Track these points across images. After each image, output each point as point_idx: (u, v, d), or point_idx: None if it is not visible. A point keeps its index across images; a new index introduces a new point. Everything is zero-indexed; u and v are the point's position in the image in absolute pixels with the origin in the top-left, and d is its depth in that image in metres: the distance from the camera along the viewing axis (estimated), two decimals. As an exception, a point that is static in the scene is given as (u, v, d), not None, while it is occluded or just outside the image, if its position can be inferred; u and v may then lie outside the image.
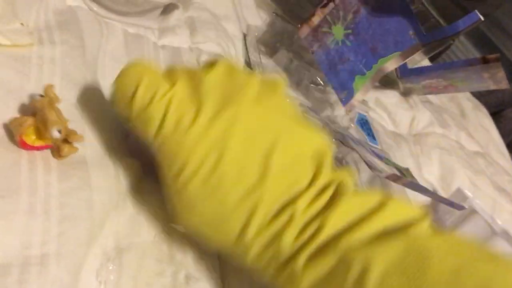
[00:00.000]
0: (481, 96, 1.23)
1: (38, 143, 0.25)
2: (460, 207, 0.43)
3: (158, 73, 0.26)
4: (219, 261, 0.29)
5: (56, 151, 0.25)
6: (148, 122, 0.25)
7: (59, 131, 0.25)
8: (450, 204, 0.42)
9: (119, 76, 0.26)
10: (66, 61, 0.30)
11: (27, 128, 0.25)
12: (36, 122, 0.25)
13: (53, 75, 0.29)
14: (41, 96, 0.26)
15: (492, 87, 0.65)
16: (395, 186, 0.40)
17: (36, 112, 0.25)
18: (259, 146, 0.24)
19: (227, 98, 0.24)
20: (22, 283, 0.21)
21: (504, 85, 0.63)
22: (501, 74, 0.60)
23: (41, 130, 0.25)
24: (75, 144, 0.26)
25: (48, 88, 0.26)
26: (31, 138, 0.25)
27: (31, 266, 0.21)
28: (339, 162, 0.42)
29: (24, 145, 0.25)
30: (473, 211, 0.48)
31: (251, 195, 0.23)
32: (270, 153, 0.23)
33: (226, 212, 0.23)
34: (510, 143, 1.15)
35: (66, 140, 0.25)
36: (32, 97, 0.27)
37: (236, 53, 0.48)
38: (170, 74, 0.26)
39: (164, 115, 0.24)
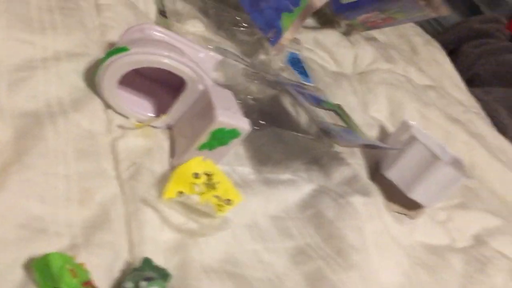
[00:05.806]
0: (438, 34, 1.21)
1: None
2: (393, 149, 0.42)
3: None
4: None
5: None
6: None
7: None
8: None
9: None
10: None
11: None
12: None
13: None
14: None
15: (432, 14, 0.62)
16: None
17: None
18: None
19: None
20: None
21: (443, 11, 0.61)
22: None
23: None
24: None
25: None
26: None
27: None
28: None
29: None
30: (413, 138, 0.47)
31: None
32: None
33: None
34: (469, 78, 1.14)
35: None
36: None
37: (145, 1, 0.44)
38: None
39: None
